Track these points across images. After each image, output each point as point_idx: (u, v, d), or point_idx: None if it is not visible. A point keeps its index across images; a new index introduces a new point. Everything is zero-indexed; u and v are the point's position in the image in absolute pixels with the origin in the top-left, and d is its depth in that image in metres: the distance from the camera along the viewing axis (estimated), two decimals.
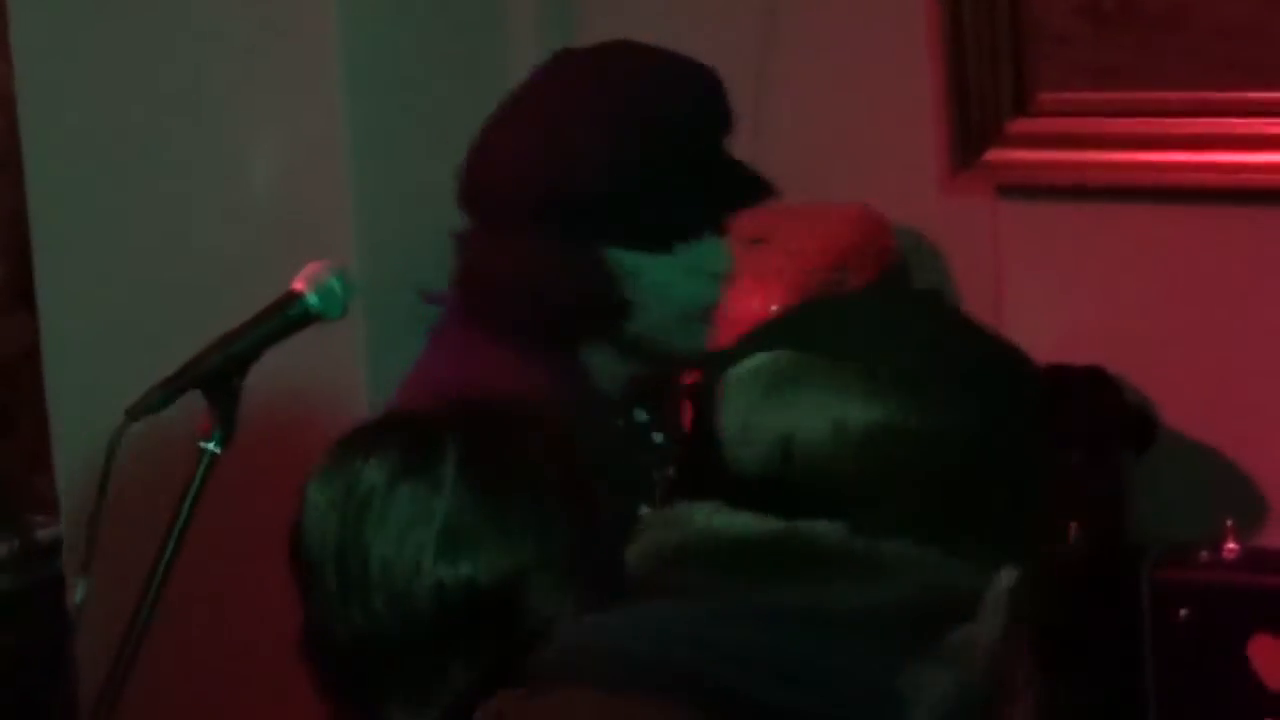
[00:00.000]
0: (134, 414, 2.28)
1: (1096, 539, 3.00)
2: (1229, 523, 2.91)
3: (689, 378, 2.32)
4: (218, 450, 2.27)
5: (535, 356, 2.27)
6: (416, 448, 1.90)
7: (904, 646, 1.56)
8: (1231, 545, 2.92)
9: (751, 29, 2.97)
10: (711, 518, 1.63)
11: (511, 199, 2.30)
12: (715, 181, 2.31)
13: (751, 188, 2.31)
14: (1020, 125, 2.97)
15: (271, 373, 2.34)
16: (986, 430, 1.57)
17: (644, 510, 2.03)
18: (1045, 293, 2.92)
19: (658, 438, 2.44)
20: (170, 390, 2.26)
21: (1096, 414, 2.93)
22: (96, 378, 3.21)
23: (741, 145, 2.20)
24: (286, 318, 2.33)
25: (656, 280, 2.24)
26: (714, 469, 1.64)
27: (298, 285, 2.29)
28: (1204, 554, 2.96)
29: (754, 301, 2.50)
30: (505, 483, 1.76)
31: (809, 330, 1.65)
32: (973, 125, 3.00)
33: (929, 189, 2.99)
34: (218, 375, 2.30)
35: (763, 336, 1.65)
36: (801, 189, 2.69)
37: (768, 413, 1.60)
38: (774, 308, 2.43)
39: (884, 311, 1.71)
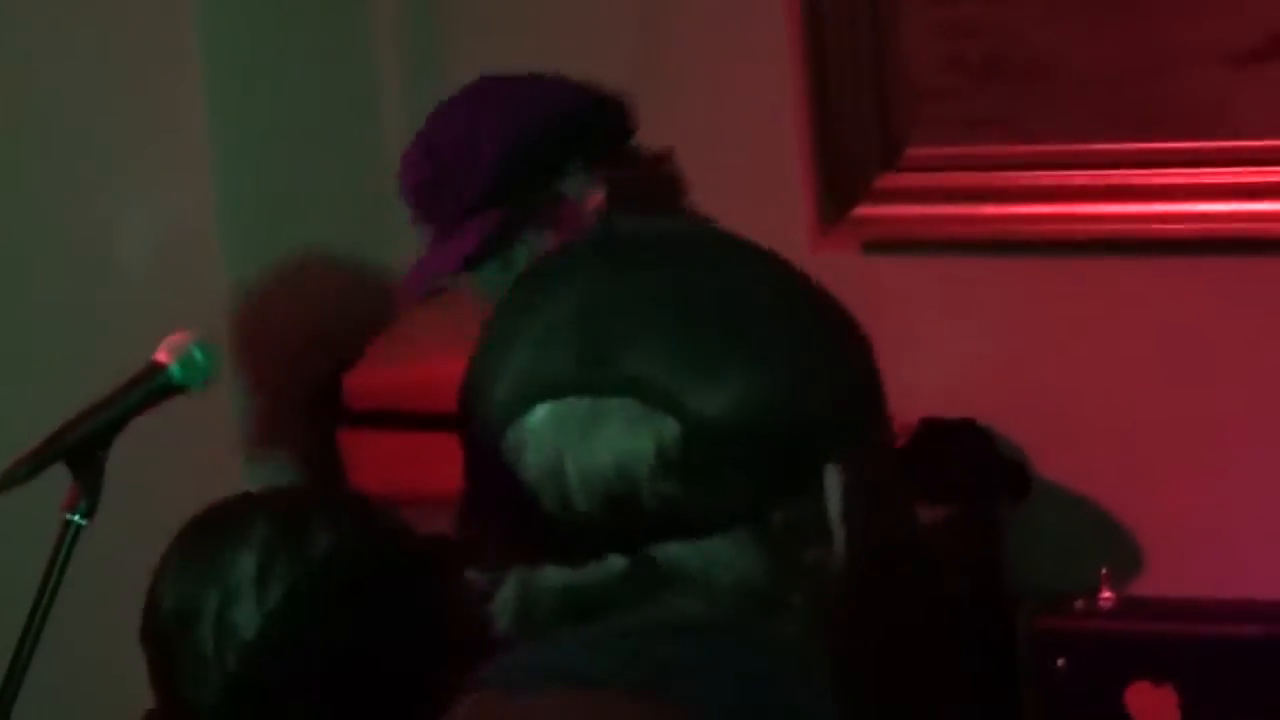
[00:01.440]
0: None
1: (973, 590, 3.05)
2: (1104, 571, 2.94)
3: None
4: (83, 522, 2.27)
5: None
6: (285, 531, 1.95)
7: (761, 608, 1.60)
8: (1107, 594, 2.95)
9: (618, 80, 2.99)
10: (557, 577, 1.62)
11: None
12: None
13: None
14: (888, 181, 3.01)
15: (141, 442, 2.35)
16: (805, 392, 1.57)
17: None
18: (916, 347, 2.94)
19: None
20: (34, 463, 2.28)
21: (970, 466, 2.97)
22: None
23: None
24: (149, 389, 2.34)
25: None
26: (538, 522, 1.62)
27: (160, 356, 2.31)
28: (1080, 603, 2.99)
29: None
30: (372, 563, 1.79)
31: (571, 335, 1.61)
32: (840, 182, 3.04)
33: (798, 244, 2.93)
34: (81, 447, 2.32)
35: (532, 383, 1.62)
36: None
37: (575, 460, 1.60)
38: None
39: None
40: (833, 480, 1.60)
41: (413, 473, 2.81)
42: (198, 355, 2.32)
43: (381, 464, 2.96)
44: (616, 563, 1.59)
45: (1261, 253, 2.80)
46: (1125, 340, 2.96)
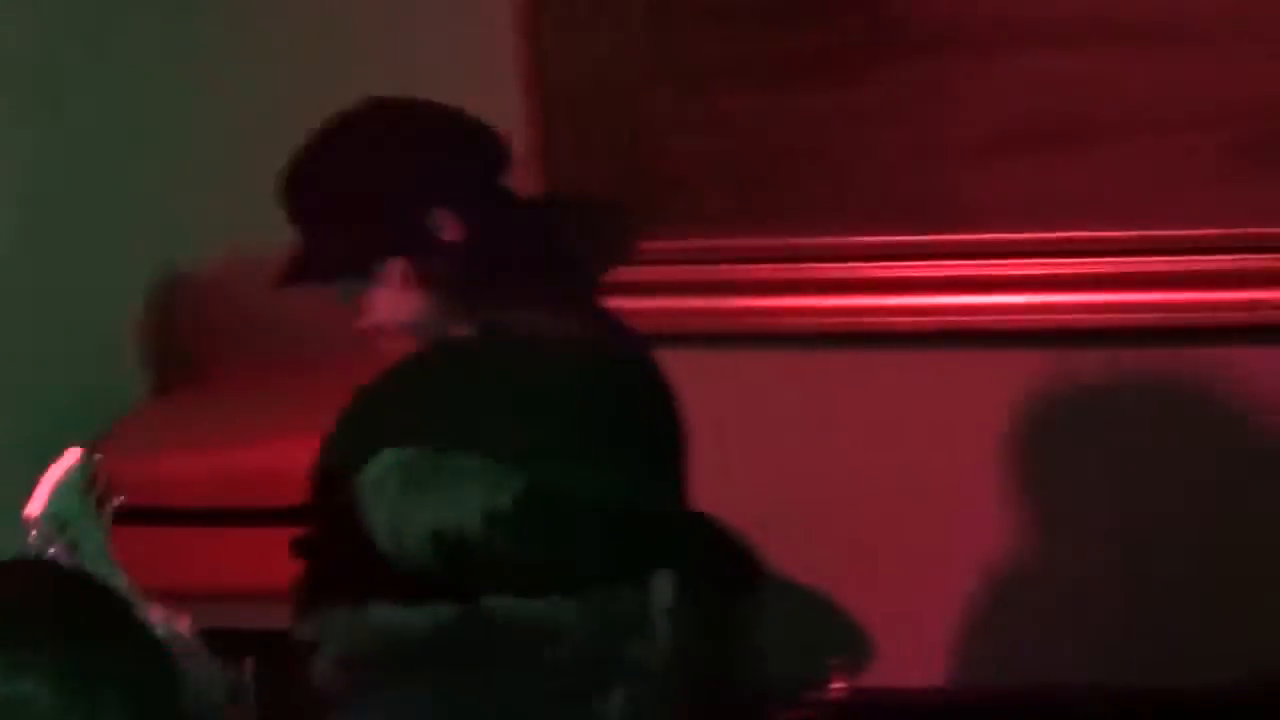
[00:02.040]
0: None
1: (706, 681, 3.07)
2: (832, 661, 3.03)
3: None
4: None
5: None
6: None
7: (585, 685, 1.76)
8: (838, 684, 3.04)
9: None
10: (389, 618, 1.78)
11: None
12: None
13: None
14: (627, 274, 3.00)
15: None
16: (620, 477, 1.78)
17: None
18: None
19: None
20: None
21: (700, 560, 2.99)
22: None
23: None
24: None
25: None
26: (373, 568, 1.78)
27: None
28: (811, 688, 3.07)
29: None
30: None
31: (427, 421, 1.79)
32: None
33: None
34: None
35: (380, 431, 1.78)
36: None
37: (413, 511, 1.75)
38: None
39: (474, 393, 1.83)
40: (663, 582, 1.86)
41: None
42: None
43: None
44: (445, 611, 1.75)
45: (997, 345, 2.94)
46: (856, 433, 3.06)
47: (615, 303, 2.98)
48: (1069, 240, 2.86)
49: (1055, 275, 2.89)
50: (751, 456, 3.01)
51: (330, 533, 1.89)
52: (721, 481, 2.88)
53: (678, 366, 3.02)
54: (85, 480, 2.04)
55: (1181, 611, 2.97)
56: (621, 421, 1.89)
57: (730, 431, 3.01)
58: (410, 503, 1.81)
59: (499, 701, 1.77)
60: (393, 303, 2.38)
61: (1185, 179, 2.79)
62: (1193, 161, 2.77)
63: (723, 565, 3.10)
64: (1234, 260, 2.83)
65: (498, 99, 2.98)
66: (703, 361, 3.00)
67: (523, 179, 2.97)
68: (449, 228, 2.35)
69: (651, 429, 1.95)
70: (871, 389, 3.02)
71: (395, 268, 2.38)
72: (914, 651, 3.05)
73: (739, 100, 2.92)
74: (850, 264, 2.97)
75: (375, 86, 2.60)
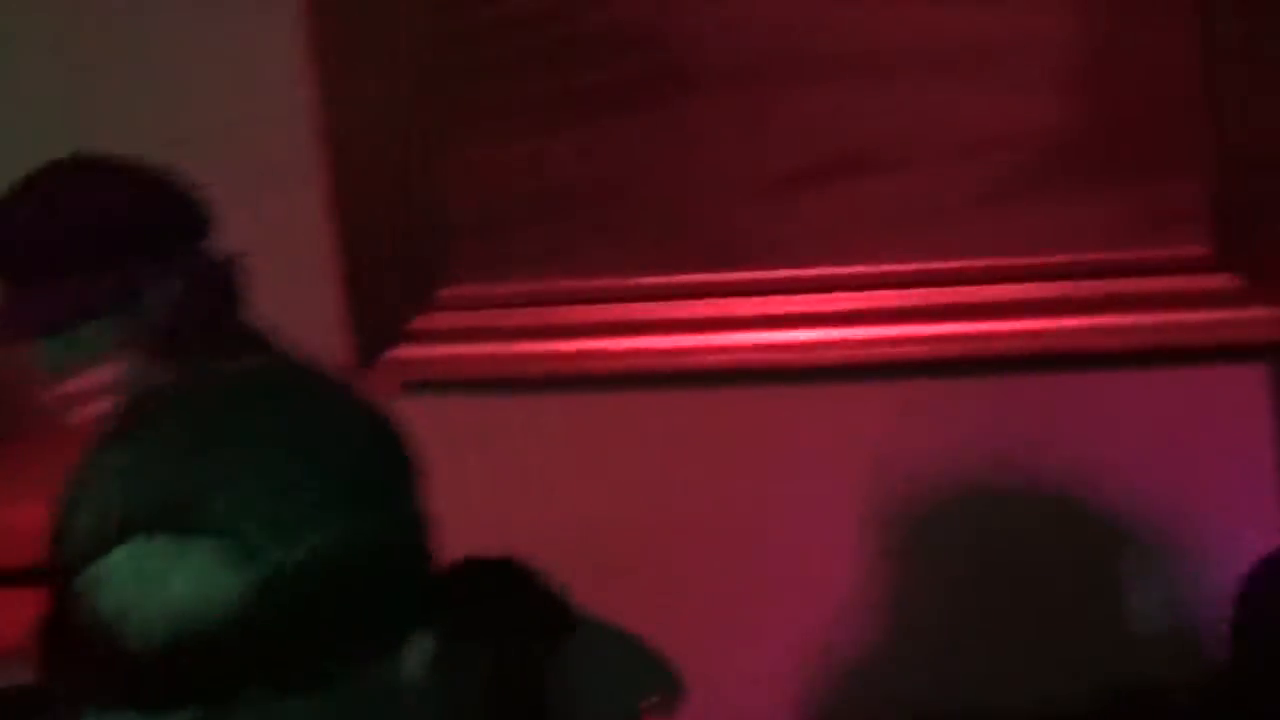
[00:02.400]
0: None
1: None
2: (645, 697, 2.97)
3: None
4: None
5: None
6: None
7: None
8: None
9: None
10: None
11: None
12: None
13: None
14: (422, 322, 2.98)
15: None
16: (363, 548, 1.56)
17: None
18: (457, 486, 2.90)
19: None
20: None
21: (510, 606, 2.97)
22: None
23: None
24: None
25: None
26: (119, 665, 1.58)
27: None
28: None
29: None
30: None
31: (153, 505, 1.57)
32: (372, 324, 3.01)
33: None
34: None
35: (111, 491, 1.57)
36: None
37: (144, 599, 1.56)
38: None
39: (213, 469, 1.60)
40: (423, 646, 1.64)
41: None
42: None
43: None
44: (190, 714, 1.56)
45: (793, 382, 2.91)
46: (666, 471, 3.02)
47: (410, 351, 3.00)
48: (863, 275, 2.84)
49: (844, 310, 2.87)
50: (562, 498, 3.00)
51: (67, 622, 1.64)
52: (529, 525, 2.92)
53: (477, 413, 3.06)
54: None
55: (1020, 629, 2.95)
56: (387, 466, 1.70)
57: (537, 474, 3.02)
58: (149, 592, 1.59)
59: None
60: (94, 364, 2.42)
61: (956, 209, 2.81)
62: (960, 192, 2.79)
63: (534, 610, 3.15)
64: (1011, 289, 2.81)
65: (290, 148, 3.02)
66: (502, 407, 3.04)
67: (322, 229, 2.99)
68: (153, 285, 2.39)
69: (406, 472, 1.73)
70: (674, 430, 3.01)
71: (99, 327, 2.40)
72: (726, 689, 2.97)
73: (530, 144, 2.92)
74: (644, 304, 2.95)
75: (167, 130, 2.55)
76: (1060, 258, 2.74)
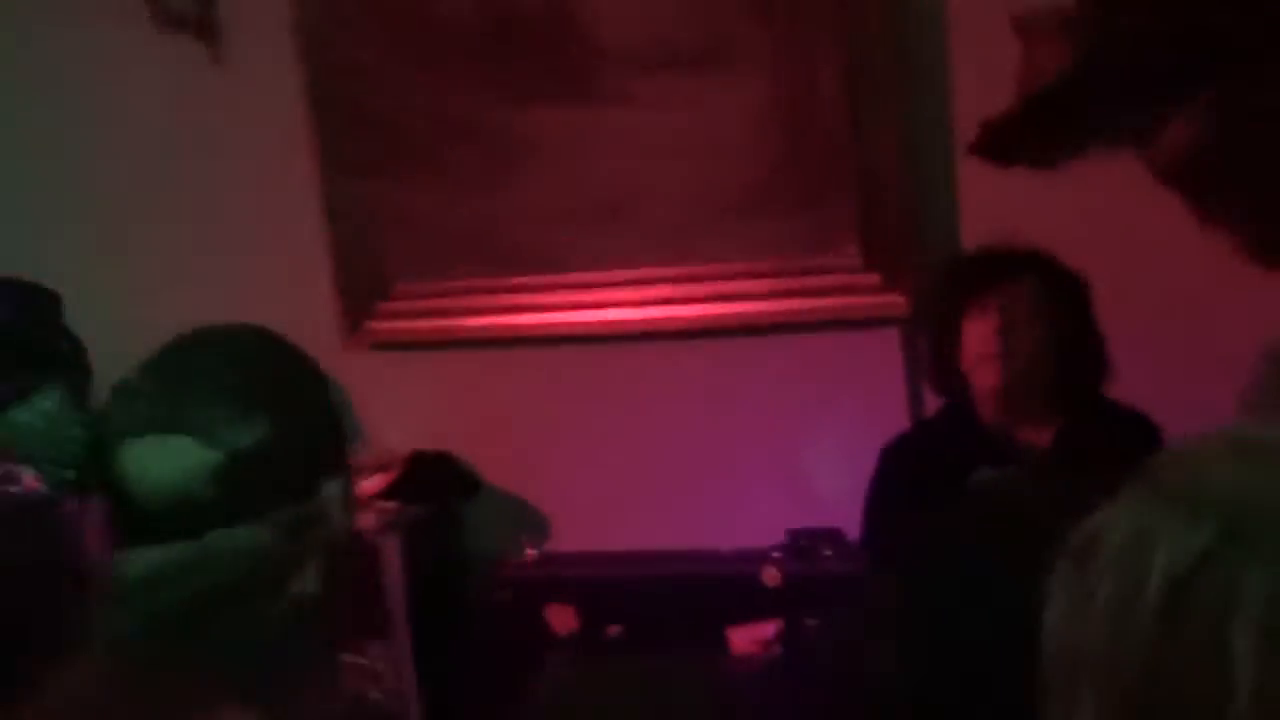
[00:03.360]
0: None
1: (440, 559, 4.31)
2: (526, 539, 4.41)
3: None
4: None
5: None
6: None
7: (287, 569, 2.18)
8: (531, 552, 4.38)
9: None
10: (143, 554, 2.16)
11: None
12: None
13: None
14: (384, 306, 4.45)
15: None
16: (278, 438, 2.18)
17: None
18: (408, 409, 4.38)
19: None
20: None
21: (440, 478, 4.32)
22: None
23: None
24: None
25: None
26: (137, 516, 2.19)
27: None
28: (513, 559, 4.38)
29: None
30: None
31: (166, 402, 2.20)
32: (353, 306, 4.45)
33: (333, 345, 4.24)
34: None
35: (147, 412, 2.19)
36: None
37: (157, 472, 2.18)
38: None
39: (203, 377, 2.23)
40: (333, 489, 2.28)
41: None
42: None
43: None
44: (182, 547, 2.15)
45: (597, 343, 4.32)
46: (542, 391, 4.41)
47: (377, 324, 4.37)
48: (643, 275, 4.22)
49: (621, 298, 4.25)
50: (474, 413, 4.40)
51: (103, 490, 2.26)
52: (452, 430, 4.33)
53: (422, 364, 4.41)
54: None
55: None
56: (301, 388, 2.31)
57: (459, 399, 4.44)
58: (153, 467, 2.20)
59: (212, 604, 2.13)
60: None
61: (695, 232, 4.15)
62: (696, 221, 4.14)
63: (452, 477, 4.41)
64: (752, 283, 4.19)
65: (292, 209, 4.43)
66: (439, 360, 4.44)
67: (321, 245, 4.41)
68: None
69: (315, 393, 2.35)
70: (552, 373, 4.40)
71: (42, 403, 3.46)
72: (582, 528, 4.39)
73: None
74: (517, 296, 4.35)
75: None
76: (764, 264, 4.14)
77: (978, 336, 3.59)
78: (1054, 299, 3.59)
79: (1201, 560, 1.22)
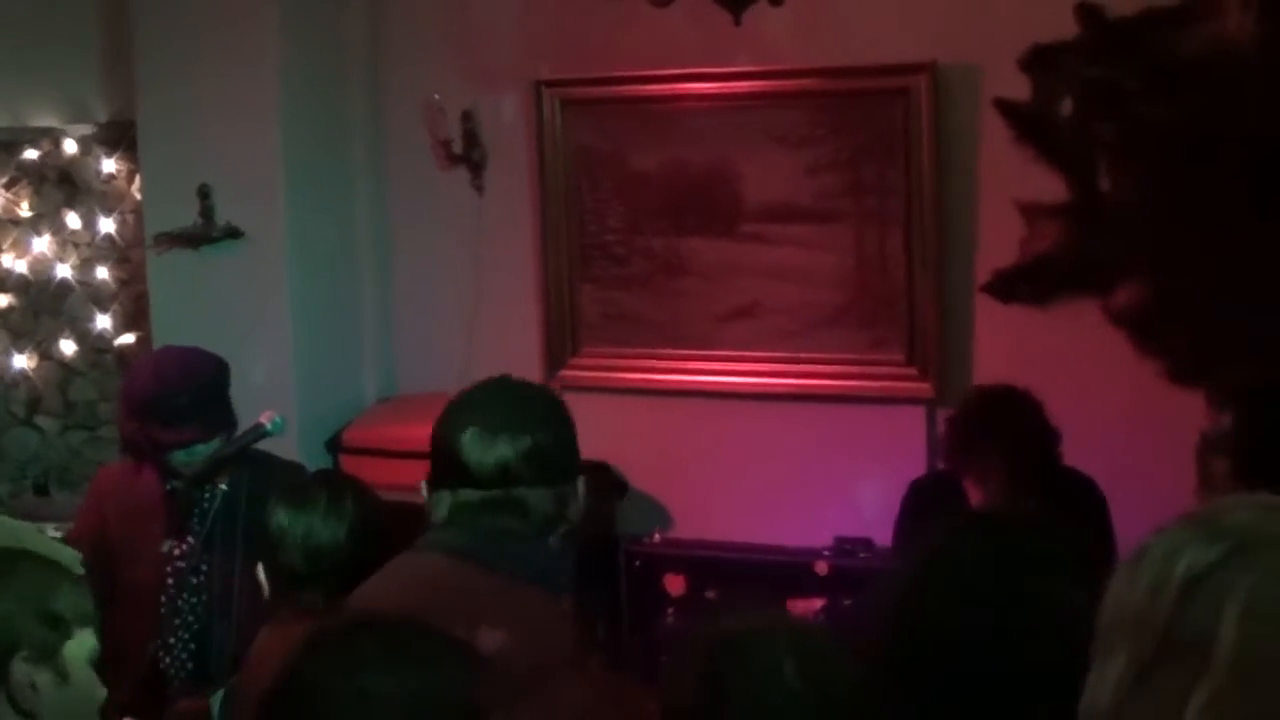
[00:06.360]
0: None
1: (598, 535, 5.64)
2: (656, 527, 5.92)
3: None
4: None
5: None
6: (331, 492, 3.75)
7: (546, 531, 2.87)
8: (657, 536, 5.87)
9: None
10: (472, 494, 2.86)
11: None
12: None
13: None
14: (574, 361, 6.13)
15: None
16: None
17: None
18: (593, 435, 5.76)
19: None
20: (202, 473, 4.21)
21: (600, 483, 5.68)
22: None
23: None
24: (257, 435, 4.28)
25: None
26: (469, 476, 2.84)
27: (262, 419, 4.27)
28: (645, 539, 5.82)
29: None
30: None
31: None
32: (553, 359, 6.11)
33: None
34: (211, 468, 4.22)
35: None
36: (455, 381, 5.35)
37: (493, 453, 2.84)
38: None
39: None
40: (581, 482, 2.96)
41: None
42: (279, 421, 4.28)
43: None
44: (498, 494, 2.82)
45: (751, 400, 5.88)
46: (679, 428, 5.93)
47: (569, 373, 5.95)
48: (757, 355, 5.86)
49: (742, 369, 5.87)
50: (636, 440, 5.85)
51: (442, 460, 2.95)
52: (614, 448, 5.69)
53: (605, 404, 5.82)
54: None
55: None
56: (563, 417, 3.09)
57: (629, 430, 5.86)
58: (491, 450, 2.86)
59: (511, 537, 2.83)
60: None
61: (790, 335, 5.79)
62: (795, 326, 5.79)
63: (608, 484, 5.91)
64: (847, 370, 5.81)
65: (518, 289, 6.12)
66: (617, 402, 5.92)
67: (535, 316, 6.02)
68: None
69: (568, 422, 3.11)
70: (709, 419, 5.92)
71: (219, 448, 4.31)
72: (694, 522, 5.88)
73: (614, 294, 6.01)
74: (688, 363, 5.97)
75: None
76: (839, 356, 5.81)
77: (969, 486, 4.64)
78: (1022, 470, 4.48)
79: (1211, 568, 1.58)
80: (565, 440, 2.97)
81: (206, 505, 4.24)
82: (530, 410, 2.95)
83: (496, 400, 2.93)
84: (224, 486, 4.26)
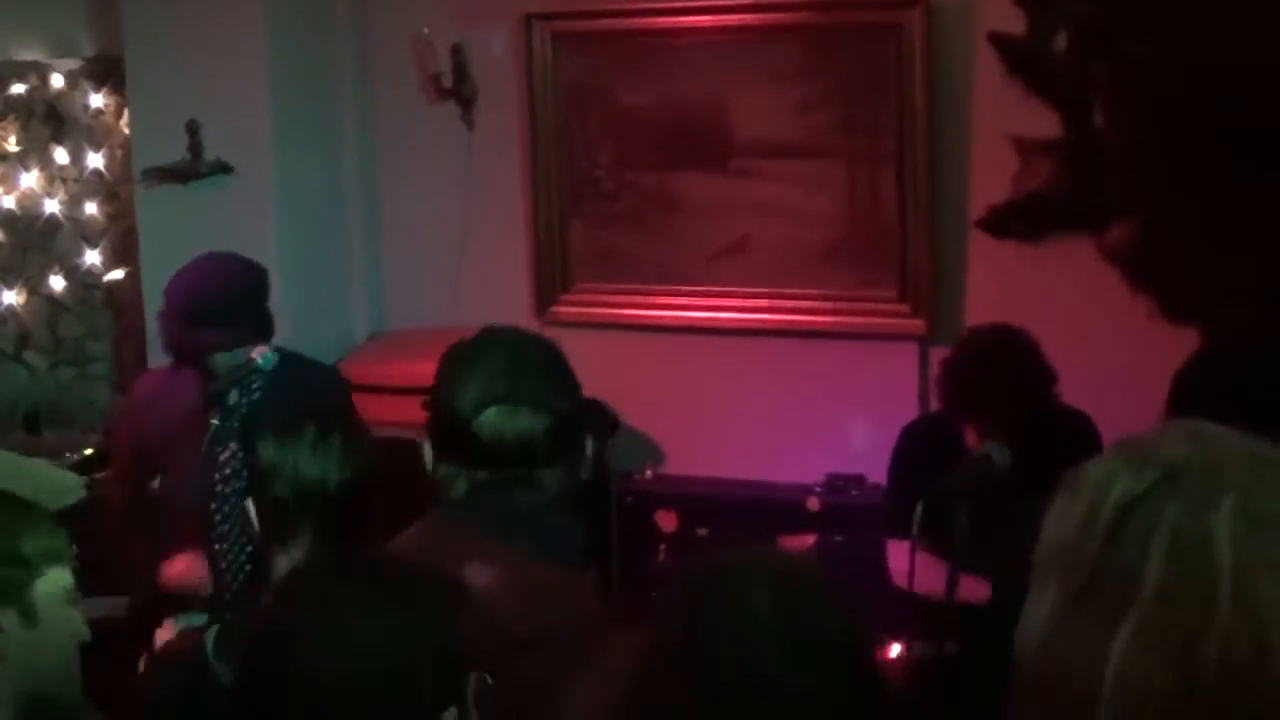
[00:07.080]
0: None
1: (594, 473, 5.41)
2: (647, 463, 5.98)
3: None
4: None
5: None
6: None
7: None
8: (649, 473, 5.95)
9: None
10: (486, 475, 2.75)
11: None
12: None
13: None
14: (565, 296, 6.15)
15: None
16: None
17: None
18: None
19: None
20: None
21: (594, 419, 5.65)
22: None
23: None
24: None
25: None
26: (483, 455, 2.75)
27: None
28: (637, 476, 5.93)
29: None
30: None
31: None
32: (543, 295, 6.14)
33: (525, 322, 5.20)
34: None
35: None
36: (445, 317, 5.52)
37: (511, 428, 2.75)
38: None
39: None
40: (590, 445, 2.90)
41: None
42: (270, 355, 4.38)
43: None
44: (519, 472, 2.76)
45: (738, 336, 5.95)
46: (670, 363, 5.97)
47: (560, 309, 5.93)
48: (749, 292, 5.88)
49: (732, 305, 5.88)
50: (624, 376, 5.60)
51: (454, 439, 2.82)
52: (606, 385, 5.64)
53: (596, 340, 5.77)
54: None
55: None
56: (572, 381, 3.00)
57: (618, 365, 5.68)
58: (508, 426, 2.75)
59: (529, 511, 2.78)
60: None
61: (786, 268, 5.82)
62: (791, 259, 5.80)
63: (601, 421, 5.84)
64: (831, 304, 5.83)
65: (507, 236, 6.10)
66: (608, 337, 5.92)
67: (525, 249, 6.01)
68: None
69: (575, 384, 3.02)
70: (697, 355, 5.95)
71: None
72: (686, 458, 5.94)
73: (604, 231, 5.99)
74: (678, 298, 5.99)
75: None
76: (831, 293, 5.83)
77: (965, 429, 4.66)
78: (1019, 411, 4.45)
79: (1140, 497, 1.59)
80: (578, 407, 2.91)
81: (243, 408, 4.36)
82: (543, 378, 2.85)
83: (505, 367, 2.80)
84: (257, 391, 4.36)
